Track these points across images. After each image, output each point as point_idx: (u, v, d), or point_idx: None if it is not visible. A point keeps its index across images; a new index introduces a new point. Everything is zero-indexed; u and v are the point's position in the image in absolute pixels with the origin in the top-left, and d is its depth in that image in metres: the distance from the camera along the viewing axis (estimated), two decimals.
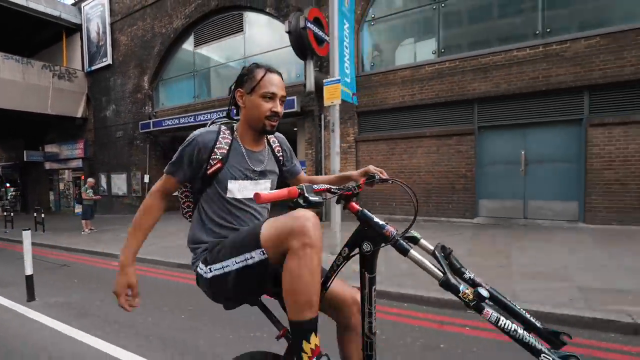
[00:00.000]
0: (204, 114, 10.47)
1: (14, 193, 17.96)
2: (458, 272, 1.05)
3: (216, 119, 1.44)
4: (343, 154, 8.29)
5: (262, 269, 1.13)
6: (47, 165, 16.85)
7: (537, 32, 6.70)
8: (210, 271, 1.22)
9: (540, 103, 6.64)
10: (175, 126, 11.40)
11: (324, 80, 5.22)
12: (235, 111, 1.39)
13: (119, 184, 13.84)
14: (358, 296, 1.18)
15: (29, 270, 3.94)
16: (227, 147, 1.28)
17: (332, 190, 1.13)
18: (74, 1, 15.26)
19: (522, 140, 6.87)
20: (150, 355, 2.53)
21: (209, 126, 1.35)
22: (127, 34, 13.39)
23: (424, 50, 7.89)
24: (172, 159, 1.28)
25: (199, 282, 1.30)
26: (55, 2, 14.29)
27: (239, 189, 1.29)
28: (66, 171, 16.43)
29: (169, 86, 12.87)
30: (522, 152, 6.82)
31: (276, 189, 1.32)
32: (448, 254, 1.08)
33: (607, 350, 2.43)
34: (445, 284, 0.91)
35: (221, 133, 1.29)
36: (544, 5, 6.64)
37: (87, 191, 9.51)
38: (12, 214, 11.68)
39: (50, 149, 16.48)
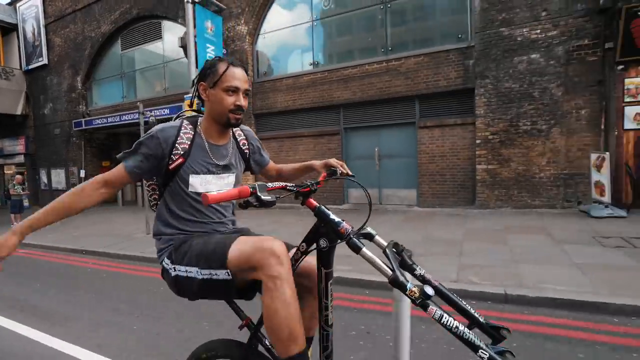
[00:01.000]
0: (130, 114, 11.44)
1: None
2: (409, 269, 1.07)
3: (181, 112, 1.44)
4: None
5: (227, 286, 1.14)
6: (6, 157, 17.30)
7: (383, 49, 8.10)
8: (175, 270, 1.22)
9: (387, 109, 8.09)
10: (105, 125, 12.30)
11: (185, 95, 6.42)
12: (201, 104, 1.36)
13: (59, 179, 14.62)
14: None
15: None
16: (189, 142, 1.27)
17: (289, 187, 1.09)
18: (9, 1, 15.62)
19: (376, 139, 8.32)
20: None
21: (174, 120, 1.36)
22: (60, 35, 14.01)
23: (305, 62, 9.18)
24: (128, 149, 1.25)
25: (164, 275, 1.29)
26: None
27: (200, 183, 1.28)
28: (12, 166, 16.96)
29: (101, 86, 13.67)
30: (376, 149, 8.28)
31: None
32: (400, 251, 1.09)
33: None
34: (394, 281, 0.92)
35: (182, 128, 1.27)
36: (388, 26, 8.03)
37: (15, 187, 10.38)
38: None
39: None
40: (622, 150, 6.08)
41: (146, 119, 6.65)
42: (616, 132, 6.01)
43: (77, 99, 13.69)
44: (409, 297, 0.90)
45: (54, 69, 14.33)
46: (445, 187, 7.55)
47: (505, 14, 6.61)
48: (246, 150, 1.47)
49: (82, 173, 13.39)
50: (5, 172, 17.30)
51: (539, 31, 6.37)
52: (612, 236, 4.47)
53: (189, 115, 1.38)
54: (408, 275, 1.06)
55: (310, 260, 1.22)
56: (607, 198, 5.59)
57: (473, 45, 6.93)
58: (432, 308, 0.88)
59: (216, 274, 1.12)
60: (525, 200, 6.69)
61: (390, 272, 0.94)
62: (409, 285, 0.90)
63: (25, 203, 14.72)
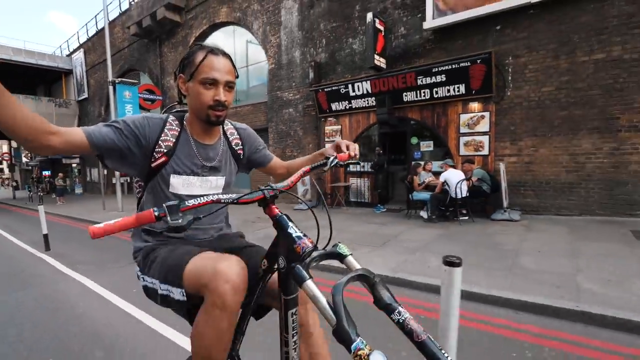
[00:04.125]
0: None
1: (47, 179, 26.99)
2: (387, 308, 0.72)
3: (169, 106, 1.29)
4: None
5: (181, 307, 1.06)
6: (64, 160, 25.47)
7: (236, 100, 12.70)
8: (143, 280, 1.17)
9: None
10: None
11: None
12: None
13: (95, 174, 21.79)
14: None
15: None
16: (174, 140, 1.14)
17: (223, 199, 0.85)
18: (67, 53, 23.08)
19: None
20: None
21: (162, 113, 1.22)
22: (94, 78, 20.82)
23: None
24: (108, 123, 1.08)
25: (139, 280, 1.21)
26: (54, 57, 22.19)
27: (183, 184, 1.17)
28: (74, 164, 24.91)
29: (110, 115, 20.19)
30: None
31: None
32: (372, 284, 0.75)
33: None
34: (336, 334, 0.66)
35: (167, 124, 1.15)
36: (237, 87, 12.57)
37: (58, 180, 17.23)
38: (41, 193, 19.92)
39: None
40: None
41: None
42: None
43: (103, 122, 20.45)
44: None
45: (91, 101, 21.29)
46: None
47: (279, 83, 10.77)
48: (239, 152, 1.31)
49: (99, 172, 20.18)
50: (71, 168, 25.39)
51: (292, 95, 10.46)
52: None
53: (177, 110, 1.25)
54: (382, 319, 0.80)
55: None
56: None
57: (266, 101, 11.23)
58: None
59: (172, 293, 1.04)
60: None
61: (334, 319, 0.67)
62: (354, 345, 0.63)
63: (79, 190, 22.41)
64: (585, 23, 5.87)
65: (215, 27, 12.80)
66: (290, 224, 0.87)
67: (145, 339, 2.62)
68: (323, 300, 0.72)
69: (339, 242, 0.87)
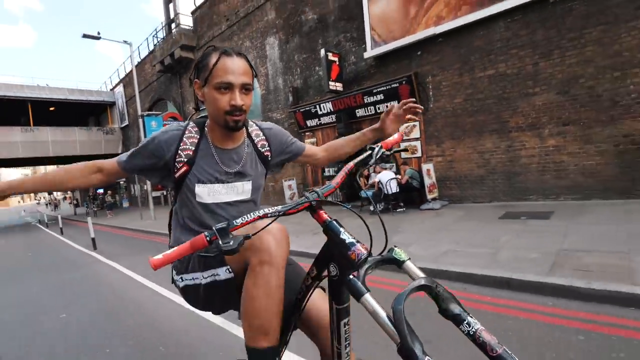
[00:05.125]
0: None
1: (100, 196, 31.33)
2: (455, 319, 0.68)
3: (193, 114, 1.29)
4: None
5: (229, 286, 1.05)
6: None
7: None
8: (182, 280, 1.17)
9: None
10: None
11: None
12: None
13: (136, 189, 25.26)
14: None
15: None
16: (194, 148, 1.14)
17: (270, 214, 0.83)
18: (111, 87, 27.03)
19: None
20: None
21: (186, 122, 1.22)
22: (132, 107, 24.32)
23: None
24: (132, 151, 1.18)
25: (177, 287, 1.22)
26: (101, 92, 26.17)
27: (208, 193, 1.16)
28: (122, 181, 28.81)
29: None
30: None
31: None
32: (436, 293, 0.71)
33: None
34: (401, 352, 0.64)
35: (187, 132, 1.15)
36: None
37: (107, 197, 20.63)
38: (95, 209, 23.70)
39: None
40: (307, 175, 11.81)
41: None
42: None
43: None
44: None
45: (131, 127, 24.83)
46: None
47: (269, 105, 12.80)
48: (266, 153, 1.28)
49: (137, 188, 23.49)
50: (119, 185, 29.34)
51: (279, 115, 12.45)
52: None
53: (198, 117, 1.24)
54: (450, 332, 0.75)
55: (316, 311, 1.08)
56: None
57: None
58: None
59: (217, 274, 1.04)
60: None
61: (397, 337, 0.64)
62: None
63: (126, 204, 26.05)
64: (478, 46, 7.26)
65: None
66: (341, 229, 0.84)
67: (167, 312, 4.08)
68: (384, 315, 0.69)
69: (395, 247, 0.83)
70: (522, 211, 6.16)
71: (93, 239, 8.77)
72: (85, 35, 13.44)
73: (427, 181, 7.90)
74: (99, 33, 13.73)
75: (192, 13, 16.20)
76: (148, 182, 16.39)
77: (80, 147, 24.44)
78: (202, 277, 1.09)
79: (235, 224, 0.78)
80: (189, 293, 1.18)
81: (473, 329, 0.65)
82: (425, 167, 7.95)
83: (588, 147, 6.17)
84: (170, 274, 1.24)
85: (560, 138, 6.45)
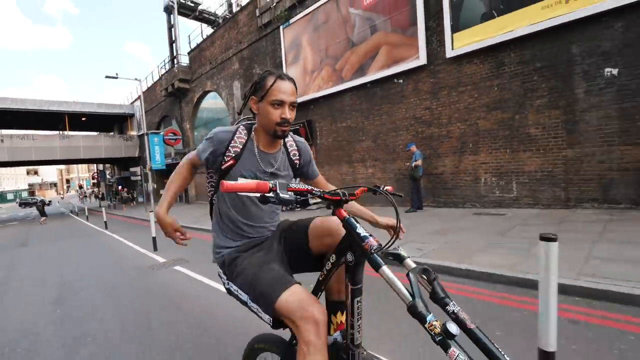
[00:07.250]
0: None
1: (122, 192, 37.04)
2: (440, 302, 0.89)
3: (242, 118, 1.54)
4: None
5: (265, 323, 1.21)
6: (132, 177, 35.07)
7: None
8: (228, 284, 1.37)
9: None
10: (158, 167, 27.03)
11: (151, 166, 19.55)
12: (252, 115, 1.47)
13: (150, 188, 30.52)
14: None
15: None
16: (241, 147, 1.38)
17: (314, 192, 1.02)
18: (131, 101, 32.49)
19: None
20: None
21: (234, 125, 1.46)
22: (148, 119, 29.58)
23: None
24: (200, 146, 1.43)
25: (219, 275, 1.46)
26: (122, 106, 31.69)
27: None
28: (137, 180, 34.28)
29: (154, 147, 28.63)
30: None
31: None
32: (432, 279, 0.93)
33: None
34: (412, 310, 0.83)
35: (237, 133, 1.40)
36: None
37: (123, 193, 25.81)
38: (115, 202, 29.01)
39: (132, 169, 34.59)
40: None
41: None
42: None
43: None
44: (427, 330, 0.79)
45: (146, 136, 30.09)
46: None
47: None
48: (296, 161, 1.53)
49: (150, 186, 28.66)
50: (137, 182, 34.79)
51: None
52: None
53: (247, 122, 1.48)
54: (438, 309, 0.89)
55: (321, 221, 1.37)
56: None
57: None
58: (454, 350, 0.75)
59: (261, 314, 1.21)
60: None
61: (410, 297, 0.84)
62: (429, 318, 0.80)
63: (141, 199, 31.23)
64: (338, 107, 11.49)
65: (205, 92, 19.92)
66: (357, 225, 1.01)
67: (145, 261, 9.23)
68: (399, 283, 0.88)
69: (399, 247, 1.02)
70: None
71: (105, 222, 13.63)
72: (107, 77, 18.45)
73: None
74: (117, 74, 18.71)
75: (188, 53, 21.02)
76: (151, 182, 21.22)
77: (105, 151, 29.99)
78: (248, 300, 1.27)
79: (291, 185, 0.98)
80: (230, 294, 1.39)
81: (455, 309, 0.85)
82: None
83: (386, 174, 10.32)
84: (217, 263, 1.48)
85: (373, 168, 10.62)
